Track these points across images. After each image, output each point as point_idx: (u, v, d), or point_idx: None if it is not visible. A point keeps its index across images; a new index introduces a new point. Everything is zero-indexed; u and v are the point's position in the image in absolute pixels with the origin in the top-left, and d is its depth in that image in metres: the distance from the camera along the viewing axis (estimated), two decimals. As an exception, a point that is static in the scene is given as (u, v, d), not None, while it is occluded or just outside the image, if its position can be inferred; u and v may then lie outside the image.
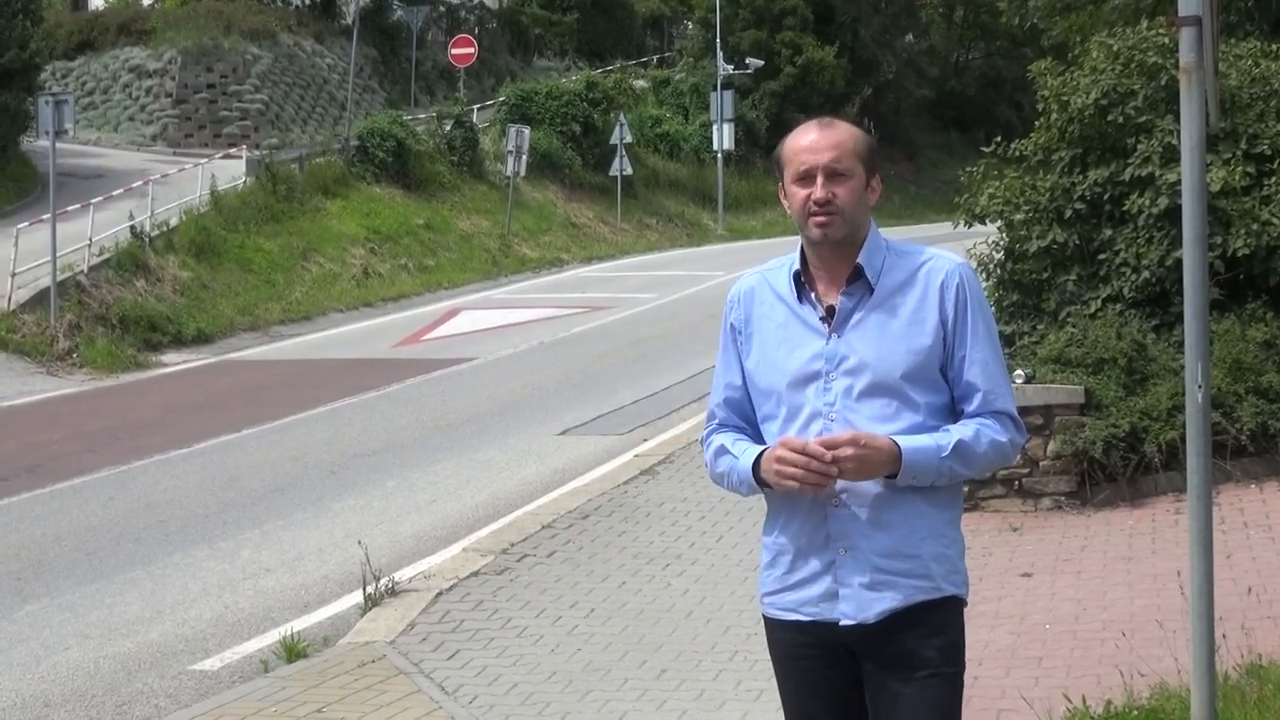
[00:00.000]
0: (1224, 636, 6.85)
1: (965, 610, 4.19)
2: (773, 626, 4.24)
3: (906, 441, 3.95)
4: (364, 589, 9.98)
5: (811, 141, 4.07)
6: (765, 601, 4.24)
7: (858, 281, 4.07)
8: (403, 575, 10.57)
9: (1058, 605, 9.05)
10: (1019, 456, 11.26)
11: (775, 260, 4.23)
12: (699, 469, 13.82)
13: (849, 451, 3.89)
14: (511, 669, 8.47)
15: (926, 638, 4.03)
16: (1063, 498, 11.48)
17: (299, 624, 9.76)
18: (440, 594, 10.03)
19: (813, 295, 4.12)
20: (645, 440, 15.73)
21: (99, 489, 14.41)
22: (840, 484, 3.98)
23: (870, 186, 4.10)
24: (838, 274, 4.10)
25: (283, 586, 10.94)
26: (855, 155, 4.05)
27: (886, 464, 3.93)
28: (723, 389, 4.28)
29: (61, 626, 10.08)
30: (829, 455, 3.90)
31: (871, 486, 4.00)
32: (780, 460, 3.96)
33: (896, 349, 4.02)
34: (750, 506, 12.21)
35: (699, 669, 8.33)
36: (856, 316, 4.06)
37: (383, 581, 10.03)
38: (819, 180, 4.02)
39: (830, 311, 4.08)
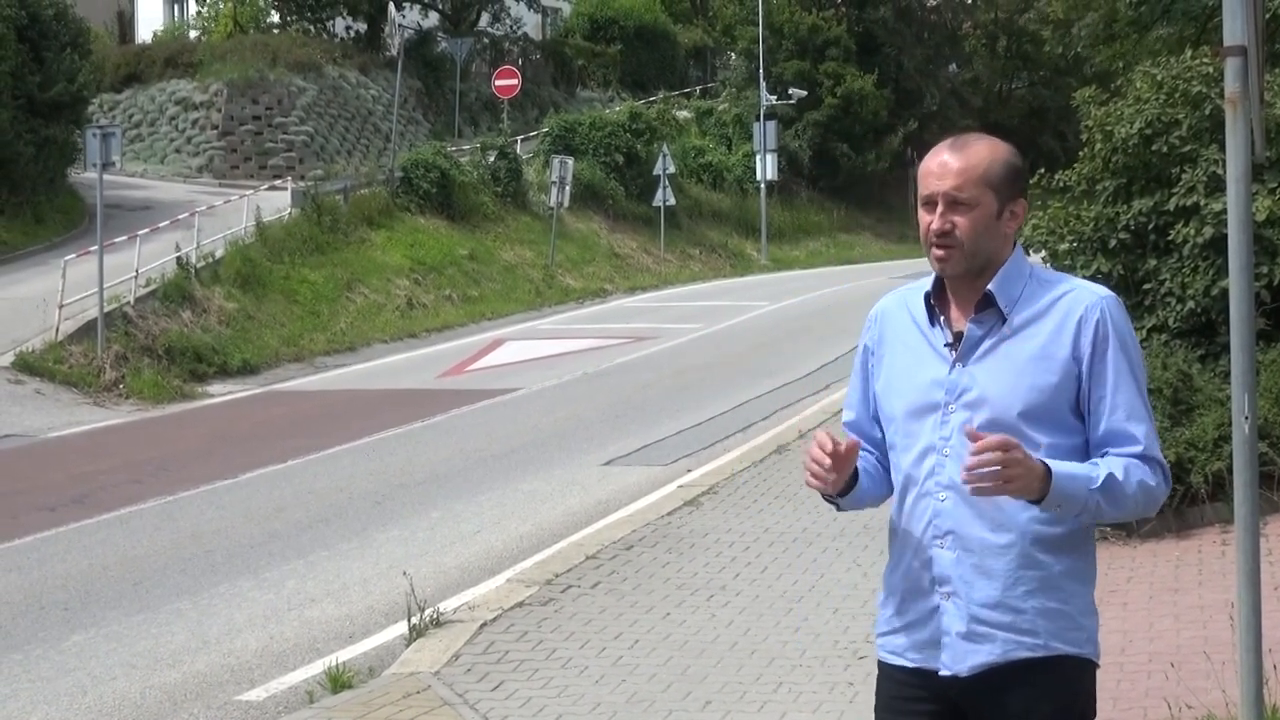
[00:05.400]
0: (1275, 668, 6.81)
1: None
2: (882, 670, 4.01)
3: (1059, 465, 3.67)
4: (409, 620, 9.98)
5: (937, 165, 3.83)
6: (878, 642, 4.01)
7: (989, 309, 3.83)
8: (447, 606, 10.58)
9: (1104, 637, 8.89)
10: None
11: (918, 281, 3.99)
12: (743, 499, 13.81)
13: (996, 455, 3.57)
14: (556, 700, 8.47)
15: (1035, 701, 3.81)
16: (1108, 529, 11.41)
17: (344, 654, 9.77)
18: (485, 625, 10.03)
19: (943, 319, 3.90)
20: (689, 471, 15.71)
21: (145, 519, 14.48)
22: (947, 526, 3.81)
23: (1010, 213, 3.84)
24: (969, 299, 3.86)
25: (328, 617, 10.96)
26: (983, 182, 3.79)
27: (1035, 484, 3.64)
28: (849, 409, 4.13)
29: (108, 657, 10.12)
30: (840, 448, 3.76)
31: (979, 531, 3.78)
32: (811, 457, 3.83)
33: (1020, 385, 3.76)
34: (795, 538, 12.20)
35: (744, 700, 8.31)
36: (985, 346, 3.82)
37: (427, 612, 10.04)
38: (939, 209, 3.81)
39: (958, 338, 3.85)
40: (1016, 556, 3.78)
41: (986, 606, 3.79)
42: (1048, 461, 3.67)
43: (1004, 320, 3.82)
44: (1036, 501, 3.69)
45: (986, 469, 3.59)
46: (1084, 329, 3.78)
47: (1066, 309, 3.80)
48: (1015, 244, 3.91)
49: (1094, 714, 3.94)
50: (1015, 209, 3.85)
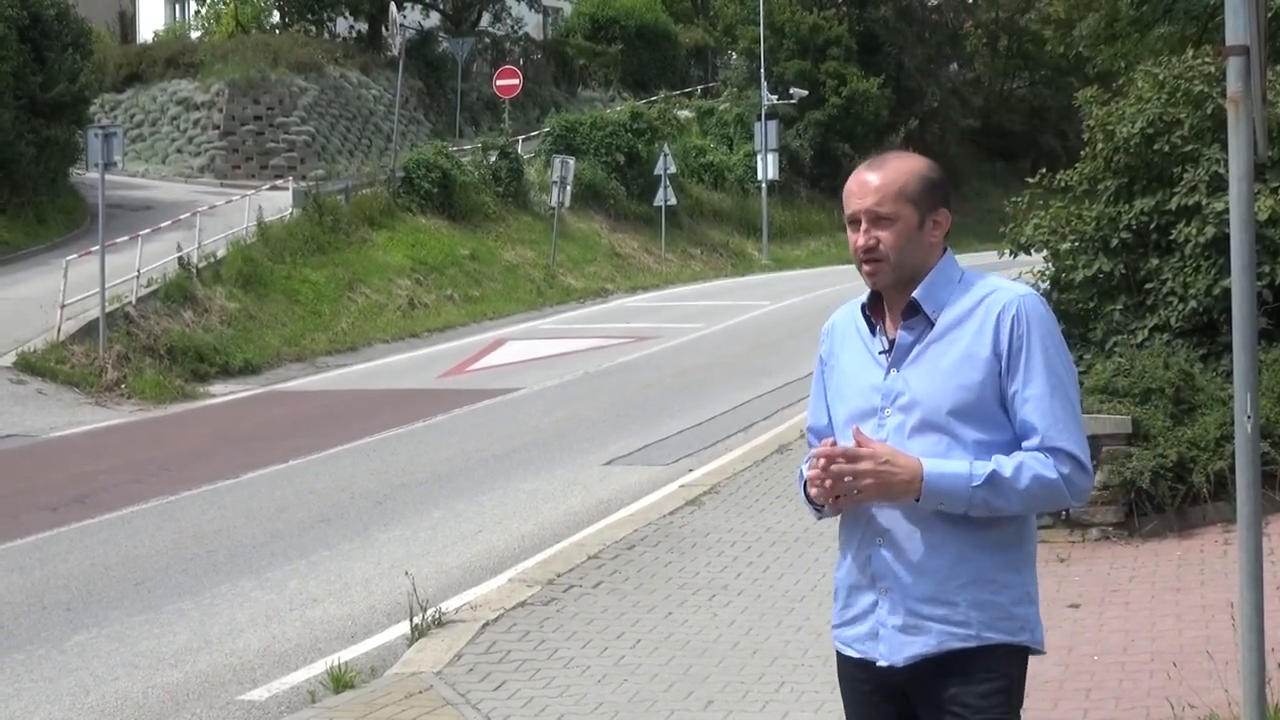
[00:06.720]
0: (1278, 667, 6.81)
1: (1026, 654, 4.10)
2: (839, 659, 4.22)
3: (933, 465, 3.89)
4: (411, 619, 9.98)
5: (858, 185, 4.04)
6: (833, 633, 4.23)
7: (916, 316, 4.03)
8: (449, 606, 10.58)
9: (1106, 636, 9.00)
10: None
11: (865, 293, 4.21)
12: (745, 499, 13.81)
13: (867, 466, 3.88)
14: (558, 700, 8.47)
15: (968, 683, 3.96)
16: (1110, 528, 11.42)
17: (346, 654, 9.78)
18: (487, 624, 10.03)
19: (880, 328, 4.11)
20: (691, 470, 15.72)
21: (147, 519, 14.48)
22: (884, 525, 4.00)
23: (933, 222, 4.05)
24: (900, 307, 4.07)
25: (330, 617, 10.96)
26: (902, 197, 4.00)
27: (909, 484, 3.89)
28: (811, 417, 4.33)
29: (110, 656, 10.12)
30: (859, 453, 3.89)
31: (912, 528, 3.97)
32: (817, 469, 3.94)
33: (947, 385, 3.96)
34: (796, 537, 12.20)
35: (745, 700, 8.31)
36: (915, 351, 4.02)
37: (429, 612, 10.04)
38: (863, 226, 4.02)
39: (893, 345, 4.06)
40: (950, 554, 3.97)
41: (922, 601, 3.98)
42: (924, 462, 3.89)
43: (931, 325, 4.03)
44: (917, 500, 3.91)
45: (829, 481, 3.91)
46: (1001, 327, 3.97)
47: (987, 309, 4.00)
48: (945, 251, 4.11)
49: (1020, 700, 4.08)
50: (938, 219, 4.07)
